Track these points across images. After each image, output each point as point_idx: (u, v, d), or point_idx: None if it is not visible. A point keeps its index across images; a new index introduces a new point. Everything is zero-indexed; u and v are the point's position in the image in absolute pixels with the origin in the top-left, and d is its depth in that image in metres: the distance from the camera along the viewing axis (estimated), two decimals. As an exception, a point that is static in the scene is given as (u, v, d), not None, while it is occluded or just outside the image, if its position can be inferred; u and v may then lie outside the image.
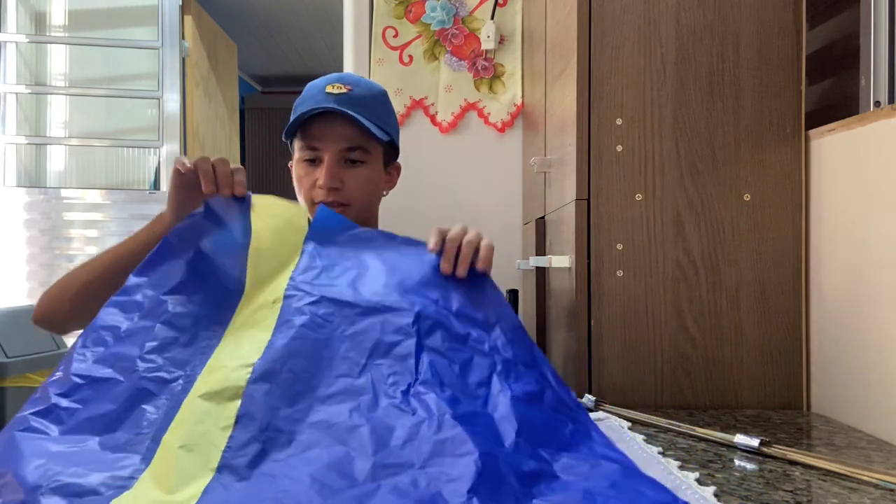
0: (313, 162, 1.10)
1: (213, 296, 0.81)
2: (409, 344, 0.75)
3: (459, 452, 0.62)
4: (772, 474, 0.76)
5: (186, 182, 0.91)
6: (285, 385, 0.70)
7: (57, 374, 0.74)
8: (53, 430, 0.68)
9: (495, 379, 0.74)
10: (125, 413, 0.70)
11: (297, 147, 1.13)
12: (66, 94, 3.36)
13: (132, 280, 0.82)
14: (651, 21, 1.15)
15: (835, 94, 1.27)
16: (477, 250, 0.89)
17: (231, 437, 0.65)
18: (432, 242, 0.89)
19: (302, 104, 1.12)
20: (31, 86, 3.30)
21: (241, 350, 0.74)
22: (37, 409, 0.70)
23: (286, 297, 0.79)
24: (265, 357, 0.72)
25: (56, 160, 3.37)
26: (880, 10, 1.11)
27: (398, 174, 1.22)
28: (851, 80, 1.18)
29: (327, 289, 0.81)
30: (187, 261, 0.84)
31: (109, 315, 0.79)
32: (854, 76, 1.16)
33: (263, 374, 0.70)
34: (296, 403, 0.69)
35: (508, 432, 0.68)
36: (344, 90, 1.09)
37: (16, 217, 3.00)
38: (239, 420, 0.66)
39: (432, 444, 0.63)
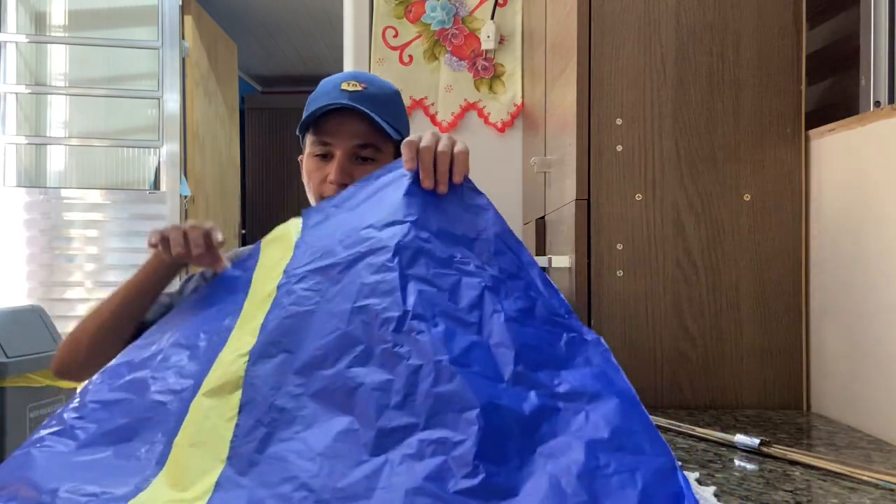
0: (325, 157, 1.11)
1: (219, 309, 0.83)
2: (393, 278, 0.73)
3: (460, 407, 0.61)
4: (772, 474, 0.76)
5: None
6: (282, 363, 0.70)
7: (73, 403, 0.76)
8: (70, 444, 0.70)
9: (486, 297, 0.72)
10: (139, 424, 0.71)
11: (309, 142, 1.13)
12: (66, 94, 3.36)
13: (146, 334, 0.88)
14: (651, 21, 1.15)
15: (835, 94, 1.27)
16: (452, 159, 0.89)
17: (237, 426, 0.65)
18: (407, 160, 0.87)
19: (316, 100, 1.13)
20: (31, 86, 3.30)
21: (237, 343, 0.74)
22: (52, 430, 0.71)
23: (279, 287, 0.80)
24: (258, 342, 0.72)
25: (56, 160, 3.37)
26: (880, 10, 1.11)
27: None
28: (851, 80, 1.18)
29: (313, 262, 0.81)
30: (197, 297, 0.90)
31: (125, 353, 0.84)
32: (854, 76, 1.16)
33: (259, 359, 0.71)
34: (295, 378, 0.69)
35: (507, 362, 0.66)
36: (359, 88, 1.10)
37: (16, 217, 3.00)
38: (242, 408, 0.67)
39: (433, 400, 0.62)
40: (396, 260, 0.75)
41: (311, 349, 0.70)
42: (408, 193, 0.84)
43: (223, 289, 0.89)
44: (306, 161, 1.14)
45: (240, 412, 0.67)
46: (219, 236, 0.96)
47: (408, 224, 0.80)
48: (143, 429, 0.70)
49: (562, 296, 0.77)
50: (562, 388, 0.65)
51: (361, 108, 1.06)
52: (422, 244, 0.77)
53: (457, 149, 0.90)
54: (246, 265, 0.92)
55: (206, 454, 0.64)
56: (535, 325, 0.72)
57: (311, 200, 1.12)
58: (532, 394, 0.64)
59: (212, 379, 0.71)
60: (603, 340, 0.71)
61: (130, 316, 1.04)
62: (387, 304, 0.70)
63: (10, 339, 2.16)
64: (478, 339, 0.68)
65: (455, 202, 0.86)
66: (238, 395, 0.68)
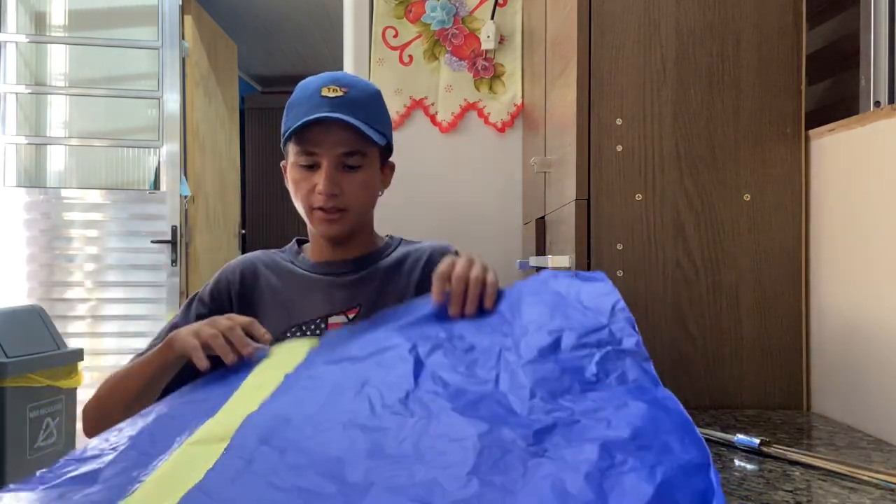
0: (311, 167, 1.08)
1: (216, 388, 0.83)
2: (407, 364, 0.73)
3: (458, 437, 0.59)
4: (772, 474, 0.76)
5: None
6: (276, 427, 0.67)
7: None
8: (36, 486, 0.66)
9: (504, 355, 0.72)
10: (110, 469, 0.68)
11: (292, 151, 1.10)
12: (66, 94, 3.36)
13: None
14: (651, 21, 1.15)
15: (835, 94, 1.27)
16: (484, 285, 0.89)
17: (217, 462, 0.63)
18: (436, 292, 0.90)
19: (296, 107, 1.10)
20: (31, 86, 3.30)
21: (234, 409, 0.73)
22: (19, 483, 0.67)
23: (286, 377, 0.79)
24: (259, 410, 0.70)
25: (56, 160, 3.37)
26: (880, 10, 1.11)
27: (392, 173, 1.20)
28: (851, 80, 1.18)
29: (326, 360, 0.82)
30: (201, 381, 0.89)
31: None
32: (854, 76, 1.16)
33: (255, 421, 0.68)
34: (287, 436, 0.66)
35: (522, 398, 0.64)
36: (340, 93, 1.07)
37: (16, 217, 3.00)
38: (226, 451, 0.64)
39: (430, 437, 0.61)
40: (413, 354, 0.75)
41: (310, 422, 0.67)
42: (436, 310, 0.88)
43: (221, 379, 0.87)
44: (291, 170, 1.11)
45: (224, 453, 0.64)
46: (262, 331, 0.94)
47: (429, 332, 0.81)
48: (115, 473, 0.67)
49: (610, 305, 0.75)
50: (583, 407, 0.63)
51: (345, 118, 1.04)
52: (440, 342, 0.78)
53: (489, 278, 0.91)
54: (251, 361, 0.90)
55: (175, 483, 0.61)
56: (558, 359, 0.70)
57: (299, 209, 1.11)
58: (548, 416, 0.62)
59: (200, 432, 0.69)
60: (641, 345, 0.69)
61: (153, 396, 1.00)
62: (396, 381, 0.70)
63: (10, 339, 2.16)
64: (493, 389, 0.67)
65: (479, 317, 0.86)
66: (224, 444, 0.65)
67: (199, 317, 1.12)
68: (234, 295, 1.15)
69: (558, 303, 0.79)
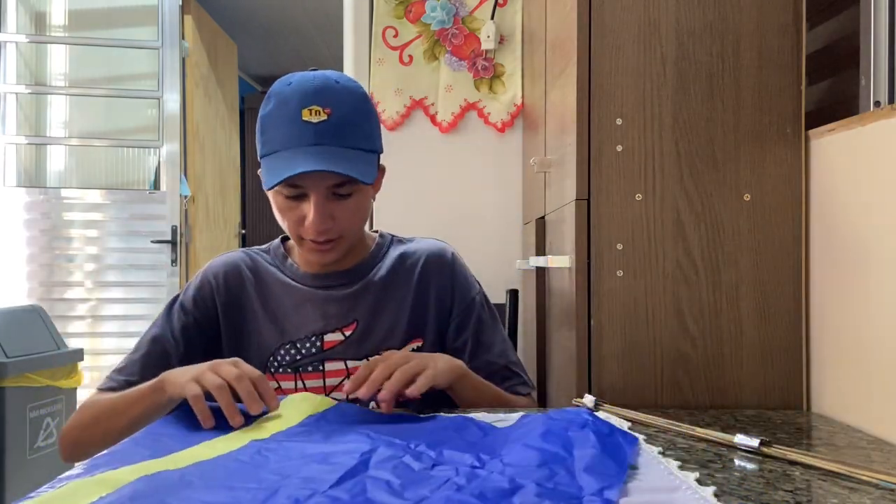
0: (296, 197, 0.99)
1: (187, 431, 0.79)
2: (349, 462, 0.68)
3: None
4: (772, 474, 0.76)
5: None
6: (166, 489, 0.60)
7: None
8: None
9: (483, 456, 0.71)
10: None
11: (262, 177, 1.00)
12: (66, 94, 3.36)
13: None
14: (651, 21, 1.15)
15: (835, 94, 1.27)
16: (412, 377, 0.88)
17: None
18: (350, 384, 0.87)
19: (274, 128, 0.97)
20: (31, 86, 3.30)
21: (174, 460, 0.68)
22: None
23: (253, 440, 0.75)
24: (178, 470, 0.64)
25: (56, 160, 3.37)
26: (880, 10, 1.11)
27: (383, 175, 1.12)
28: (851, 80, 1.18)
29: (296, 438, 0.77)
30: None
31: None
32: (854, 76, 1.16)
33: (159, 479, 0.62)
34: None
35: (501, 478, 0.63)
36: (323, 116, 0.95)
37: (16, 217, 3.00)
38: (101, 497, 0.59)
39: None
40: (363, 455, 0.70)
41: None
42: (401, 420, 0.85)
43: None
44: (274, 196, 1.01)
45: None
46: (271, 392, 0.84)
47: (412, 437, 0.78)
48: None
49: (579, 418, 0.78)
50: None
51: (333, 166, 0.94)
52: (400, 449, 0.73)
53: (423, 373, 0.89)
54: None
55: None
56: (539, 440, 0.72)
57: (289, 233, 1.05)
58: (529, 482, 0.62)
59: (120, 471, 0.64)
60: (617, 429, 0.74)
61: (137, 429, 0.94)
62: (350, 452, 0.69)
63: (10, 339, 2.16)
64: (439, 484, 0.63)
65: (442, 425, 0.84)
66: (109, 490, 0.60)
67: (185, 328, 1.06)
68: (220, 303, 1.08)
69: (550, 457, 0.72)
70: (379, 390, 0.86)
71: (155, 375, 0.96)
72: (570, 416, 0.81)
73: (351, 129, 0.98)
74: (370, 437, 0.76)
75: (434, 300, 1.12)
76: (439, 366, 0.92)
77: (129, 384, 0.99)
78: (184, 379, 0.83)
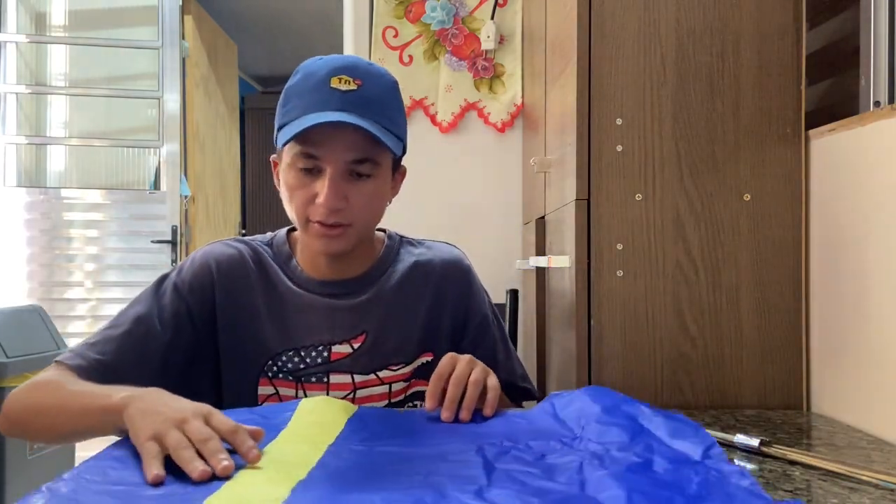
0: (310, 171, 0.92)
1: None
2: (476, 462, 0.68)
3: None
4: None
5: None
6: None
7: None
8: None
9: (587, 468, 0.66)
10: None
11: (289, 149, 0.93)
12: (66, 94, 3.36)
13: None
14: (651, 21, 1.15)
15: (835, 94, 1.27)
16: (485, 389, 0.87)
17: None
18: (431, 396, 0.86)
19: (299, 96, 0.93)
20: (31, 86, 3.30)
21: (265, 487, 0.62)
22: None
23: (327, 451, 0.72)
24: (300, 489, 0.61)
25: (56, 160, 3.37)
26: (880, 10, 1.11)
27: (403, 179, 1.07)
28: (851, 80, 1.18)
29: (374, 435, 0.77)
30: None
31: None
32: (854, 76, 1.16)
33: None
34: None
35: (618, 499, 0.57)
36: (353, 86, 0.90)
37: (16, 217, 3.00)
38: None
39: None
40: (481, 455, 0.71)
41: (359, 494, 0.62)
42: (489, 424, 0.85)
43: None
44: (286, 172, 0.95)
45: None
46: (250, 443, 0.68)
47: (484, 433, 0.79)
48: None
49: (701, 436, 0.72)
50: None
51: (361, 122, 0.89)
52: (507, 449, 0.73)
53: (490, 382, 0.88)
54: (277, 417, 0.81)
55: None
56: (653, 478, 0.64)
57: (293, 218, 0.97)
58: None
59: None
60: (748, 473, 0.63)
61: (79, 441, 0.86)
62: (468, 475, 0.64)
63: (10, 339, 2.16)
64: (577, 492, 0.61)
65: (538, 423, 0.85)
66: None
67: (176, 314, 0.96)
68: (219, 294, 1.00)
69: (637, 430, 0.76)
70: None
71: (131, 360, 0.92)
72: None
73: (379, 105, 0.94)
74: (460, 436, 0.78)
75: (449, 314, 1.08)
76: (492, 372, 0.92)
77: (99, 365, 0.90)
78: (144, 427, 0.69)
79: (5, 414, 0.87)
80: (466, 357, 0.90)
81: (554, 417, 0.86)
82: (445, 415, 0.85)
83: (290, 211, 0.96)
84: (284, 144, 0.93)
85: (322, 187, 0.91)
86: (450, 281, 1.09)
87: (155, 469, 0.63)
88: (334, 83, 0.91)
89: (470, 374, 0.87)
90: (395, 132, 0.96)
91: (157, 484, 0.62)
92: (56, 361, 0.91)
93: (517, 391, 1.12)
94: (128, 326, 0.95)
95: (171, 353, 0.97)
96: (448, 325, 1.08)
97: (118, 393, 0.76)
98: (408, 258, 1.08)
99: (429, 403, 0.86)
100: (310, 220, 0.94)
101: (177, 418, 0.68)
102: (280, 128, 0.95)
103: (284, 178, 0.96)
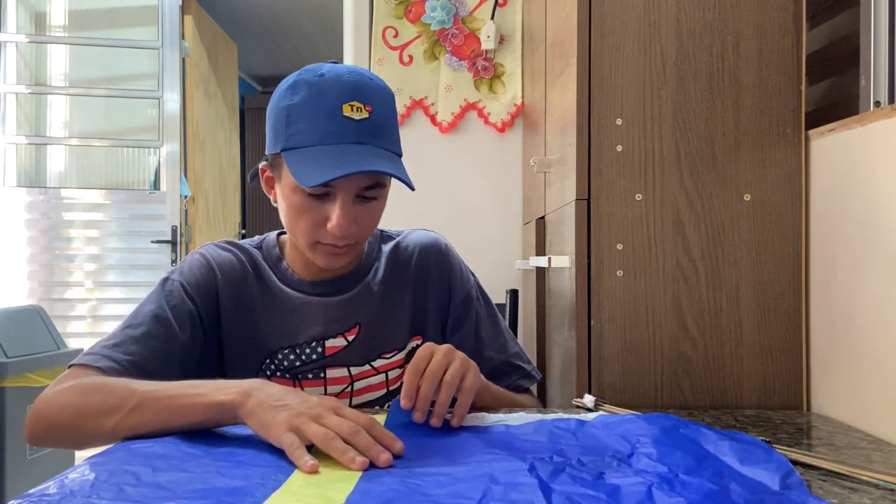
0: (319, 196, 0.93)
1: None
2: (531, 484, 0.64)
3: None
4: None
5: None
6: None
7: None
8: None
9: (657, 493, 0.62)
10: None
11: (291, 171, 0.91)
12: (66, 94, 3.36)
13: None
14: (651, 21, 1.15)
15: (835, 94, 1.27)
16: (460, 390, 0.84)
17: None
18: (407, 392, 0.82)
19: (311, 121, 0.90)
20: (31, 86, 3.30)
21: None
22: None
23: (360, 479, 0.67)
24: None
25: (56, 160, 3.37)
26: (880, 10, 1.11)
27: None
28: (851, 80, 1.18)
29: (414, 463, 0.71)
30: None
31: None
32: (854, 76, 1.16)
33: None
34: None
35: None
36: (365, 114, 0.90)
37: (16, 217, 3.00)
38: None
39: None
40: (534, 474, 0.66)
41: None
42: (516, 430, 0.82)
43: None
44: (291, 193, 0.93)
45: None
46: (391, 436, 0.73)
47: (530, 446, 0.76)
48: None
49: (776, 464, 0.69)
50: None
51: (376, 165, 0.89)
52: (561, 466, 0.69)
53: (466, 383, 0.85)
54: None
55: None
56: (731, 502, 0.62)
57: (296, 238, 0.98)
58: None
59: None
60: None
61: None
62: (526, 497, 0.61)
63: (10, 339, 2.16)
64: None
65: (594, 435, 0.80)
66: None
67: (190, 315, 0.97)
68: (223, 295, 1.01)
69: (702, 454, 0.72)
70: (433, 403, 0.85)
71: (158, 360, 0.91)
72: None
73: (385, 130, 0.94)
74: (501, 450, 0.74)
75: (432, 295, 1.10)
76: (472, 365, 0.88)
77: (131, 365, 0.88)
78: (276, 421, 0.71)
79: (47, 421, 0.82)
80: (444, 348, 0.86)
81: (601, 429, 0.82)
82: (416, 416, 0.83)
83: (295, 231, 0.97)
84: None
85: (333, 212, 0.92)
86: (430, 263, 1.11)
87: (307, 458, 0.67)
88: (346, 111, 0.90)
89: (446, 370, 0.84)
90: (397, 152, 0.98)
91: (314, 472, 0.65)
92: (77, 365, 0.88)
93: (513, 370, 1.11)
94: (147, 327, 0.93)
95: (188, 353, 0.97)
96: (434, 306, 1.10)
97: (221, 387, 0.77)
98: (388, 250, 1.11)
99: (404, 401, 0.83)
100: (317, 242, 0.95)
101: (311, 413, 0.72)
102: (287, 148, 0.92)
103: (287, 198, 0.95)
